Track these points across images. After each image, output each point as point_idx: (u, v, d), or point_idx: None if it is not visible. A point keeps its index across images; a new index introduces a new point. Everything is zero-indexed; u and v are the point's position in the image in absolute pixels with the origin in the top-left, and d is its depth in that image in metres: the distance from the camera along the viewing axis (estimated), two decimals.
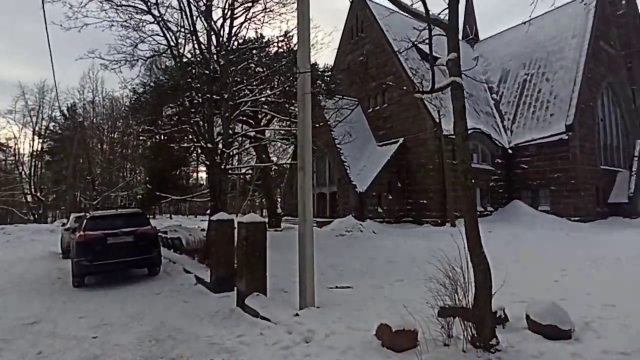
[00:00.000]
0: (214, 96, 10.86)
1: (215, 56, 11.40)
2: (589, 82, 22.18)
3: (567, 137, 20.59)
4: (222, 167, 10.76)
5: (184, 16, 10.69)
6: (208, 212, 13.43)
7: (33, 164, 38.08)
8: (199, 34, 11.13)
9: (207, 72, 10.88)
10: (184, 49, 11.78)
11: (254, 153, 22.23)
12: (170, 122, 14.70)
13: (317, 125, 15.05)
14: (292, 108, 13.73)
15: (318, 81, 15.74)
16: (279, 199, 30.00)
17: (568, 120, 20.82)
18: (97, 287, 8.26)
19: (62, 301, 7.09)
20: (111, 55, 11.61)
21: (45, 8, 6.68)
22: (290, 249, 7.21)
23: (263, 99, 12.86)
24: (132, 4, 10.75)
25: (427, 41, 3.90)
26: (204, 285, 7.83)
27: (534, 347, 3.54)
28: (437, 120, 20.03)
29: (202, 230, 16.09)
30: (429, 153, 20.80)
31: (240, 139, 15.91)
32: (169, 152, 14.80)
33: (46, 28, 9.09)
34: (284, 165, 26.78)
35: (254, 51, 14.06)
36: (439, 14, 3.93)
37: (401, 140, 21.95)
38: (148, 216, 12.05)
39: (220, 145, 10.85)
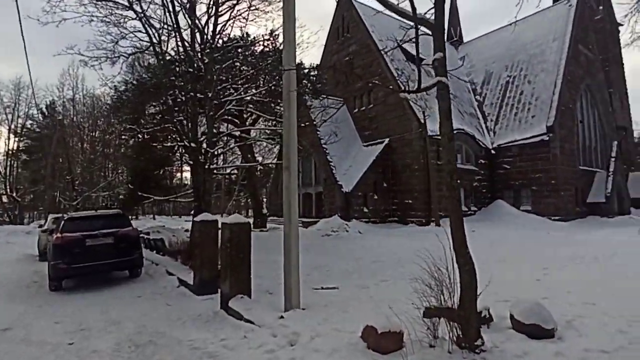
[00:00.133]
0: (198, 95, 10.67)
1: (199, 54, 11.20)
2: (568, 85, 22.77)
3: (547, 138, 21.08)
4: (206, 166, 10.58)
5: (167, 13, 10.47)
6: (192, 212, 13.21)
7: (9, 163, 36.84)
8: (183, 31, 10.94)
9: (191, 70, 10.68)
10: (167, 46, 11.55)
11: (240, 153, 22.01)
12: (153, 120, 14.37)
13: (303, 124, 14.95)
14: (278, 107, 13.62)
15: (304, 81, 15.66)
16: (264, 199, 29.78)
17: (549, 121, 21.32)
18: (75, 291, 7.99)
19: (38, 305, 6.84)
20: (91, 52, 11.29)
21: (19, 1, 6.41)
22: (276, 249, 7.12)
23: (248, 98, 12.71)
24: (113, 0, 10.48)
25: (412, 41, 3.88)
26: (187, 288, 7.67)
27: (518, 347, 3.56)
28: (422, 121, 20.21)
29: (186, 231, 15.81)
30: (414, 153, 20.97)
31: (225, 138, 15.71)
32: (151, 151, 14.47)
33: (20, 22, 8.76)
34: (270, 165, 26.59)
35: (239, 50, 13.87)
36: (425, 13, 3.92)
37: (387, 140, 22.08)
38: (130, 217, 11.78)
39: (204, 145, 10.67)
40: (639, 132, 45.18)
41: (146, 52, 12.46)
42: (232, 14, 11.55)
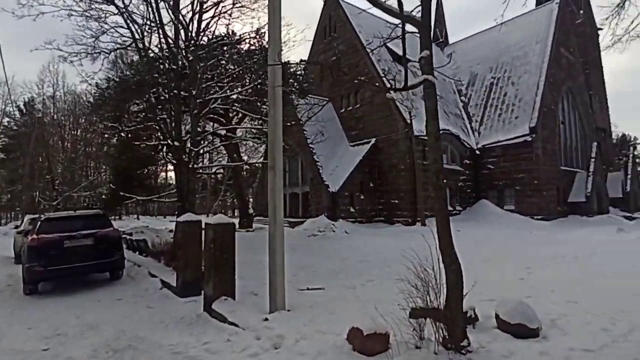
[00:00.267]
0: (182, 93, 10.45)
1: (183, 51, 10.97)
2: (550, 87, 23.25)
3: (530, 139, 21.47)
4: (190, 166, 10.37)
5: (150, 8, 10.20)
6: (177, 212, 12.96)
7: None
8: (166, 27, 10.68)
9: (174, 67, 10.45)
10: (150, 42, 11.28)
11: (225, 152, 21.73)
12: (136, 119, 14.06)
13: (289, 123, 14.86)
14: (264, 107, 13.46)
15: (291, 80, 15.55)
16: (251, 199, 29.53)
17: (532, 122, 21.73)
18: (51, 294, 7.71)
19: (10, 311, 6.55)
20: (70, 47, 10.91)
21: None
22: (262, 249, 7.00)
23: (234, 96, 12.53)
24: None
25: (399, 37, 3.84)
26: (170, 290, 7.48)
27: (504, 347, 3.55)
28: (409, 121, 20.33)
29: (170, 231, 15.50)
30: (400, 154, 21.08)
31: (210, 137, 15.46)
32: (134, 150, 14.17)
33: None
34: (256, 165, 26.37)
35: (225, 47, 13.67)
36: (412, 11, 3.88)
37: (373, 140, 22.13)
38: (114, 217, 11.48)
39: (188, 144, 10.45)
40: (618, 134, 46.64)
41: (128, 48, 12.13)
42: (217, 11, 11.34)
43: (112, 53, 12.40)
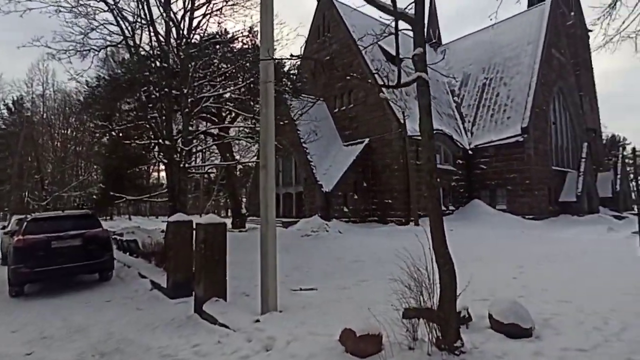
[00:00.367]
0: (174, 91, 10.31)
1: (175, 49, 10.83)
2: (542, 88, 23.44)
3: (522, 139, 21.63)
4: (182, 165, 10.24)
5: (140, 5, 10.05)
6: (168, 213, 12.80)
7: None
8: (158, 25, 10.53)
9: (166, 65, 10.31)
10: (141, 40, 11.11)
11: (218, 151, 21.57)
12: (127, 117, 13.86)
13: (282, 122, 14.76)
14: (257, 106, 13.35)
15: (284, 79, 15.45)
16: (244, 199, 29.37)
17: (524, 123, 21.88)
18: (38, 296, 7.54)
19: None
20: (58, 44, 10.68)
21: None
22: (254, 250, 6.90)
23: (227, 95, 12.41)
24: None
25: (392, 34, 3.79)
26: (160, 291, 7.37)
27: (497, 347, 3.52)
28: (402, 121, 20.34)
29: (162, 231, 15.31)
30: (393, 153, 21.09)
31: (202, 136, 15.32)
32: (125, 149, 13.98)
33: None
34: (250, 165, 26.24)
35: (217, 46, 13.54)
36: (405, 8, 3.84)
37: (367, 140, 22.13)
38: (105, 217, 11.31)
39: (179, 143, 10.32)
40: (607, 135, 47.25)
41: (119, 46, 11.93)
42: (209, 8, 11.22)
43: (102, 51, 12.20)
